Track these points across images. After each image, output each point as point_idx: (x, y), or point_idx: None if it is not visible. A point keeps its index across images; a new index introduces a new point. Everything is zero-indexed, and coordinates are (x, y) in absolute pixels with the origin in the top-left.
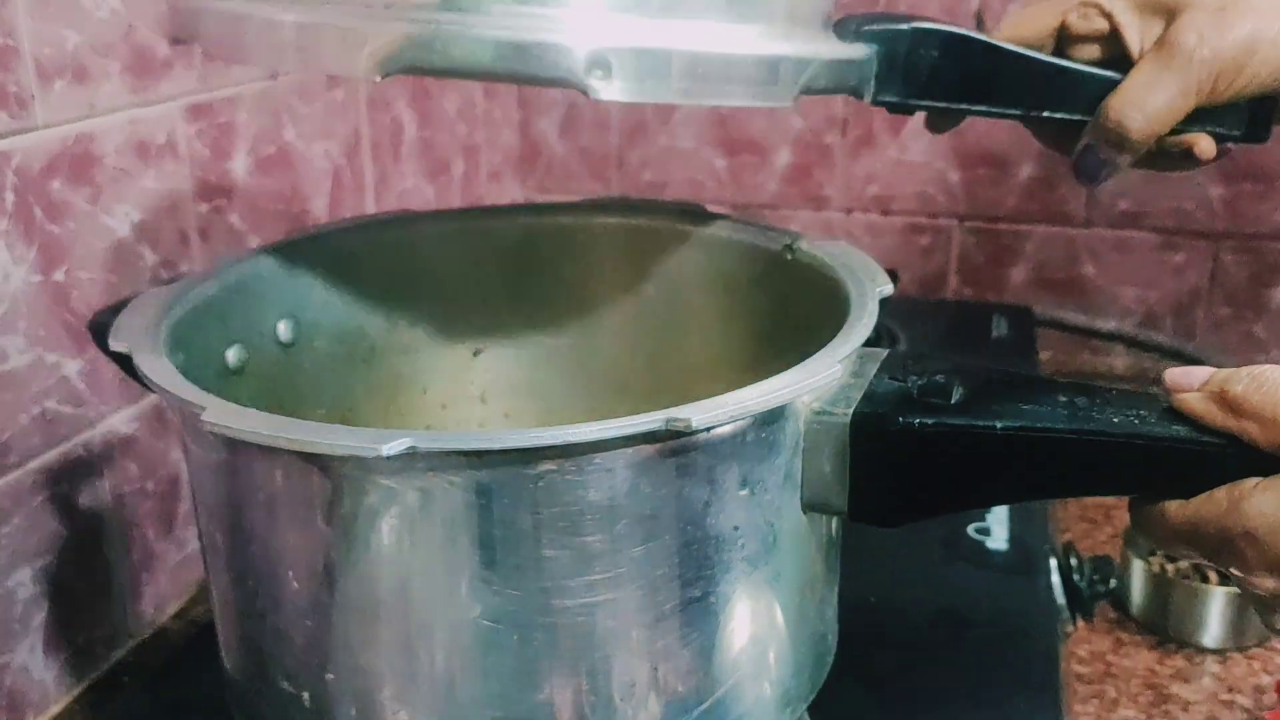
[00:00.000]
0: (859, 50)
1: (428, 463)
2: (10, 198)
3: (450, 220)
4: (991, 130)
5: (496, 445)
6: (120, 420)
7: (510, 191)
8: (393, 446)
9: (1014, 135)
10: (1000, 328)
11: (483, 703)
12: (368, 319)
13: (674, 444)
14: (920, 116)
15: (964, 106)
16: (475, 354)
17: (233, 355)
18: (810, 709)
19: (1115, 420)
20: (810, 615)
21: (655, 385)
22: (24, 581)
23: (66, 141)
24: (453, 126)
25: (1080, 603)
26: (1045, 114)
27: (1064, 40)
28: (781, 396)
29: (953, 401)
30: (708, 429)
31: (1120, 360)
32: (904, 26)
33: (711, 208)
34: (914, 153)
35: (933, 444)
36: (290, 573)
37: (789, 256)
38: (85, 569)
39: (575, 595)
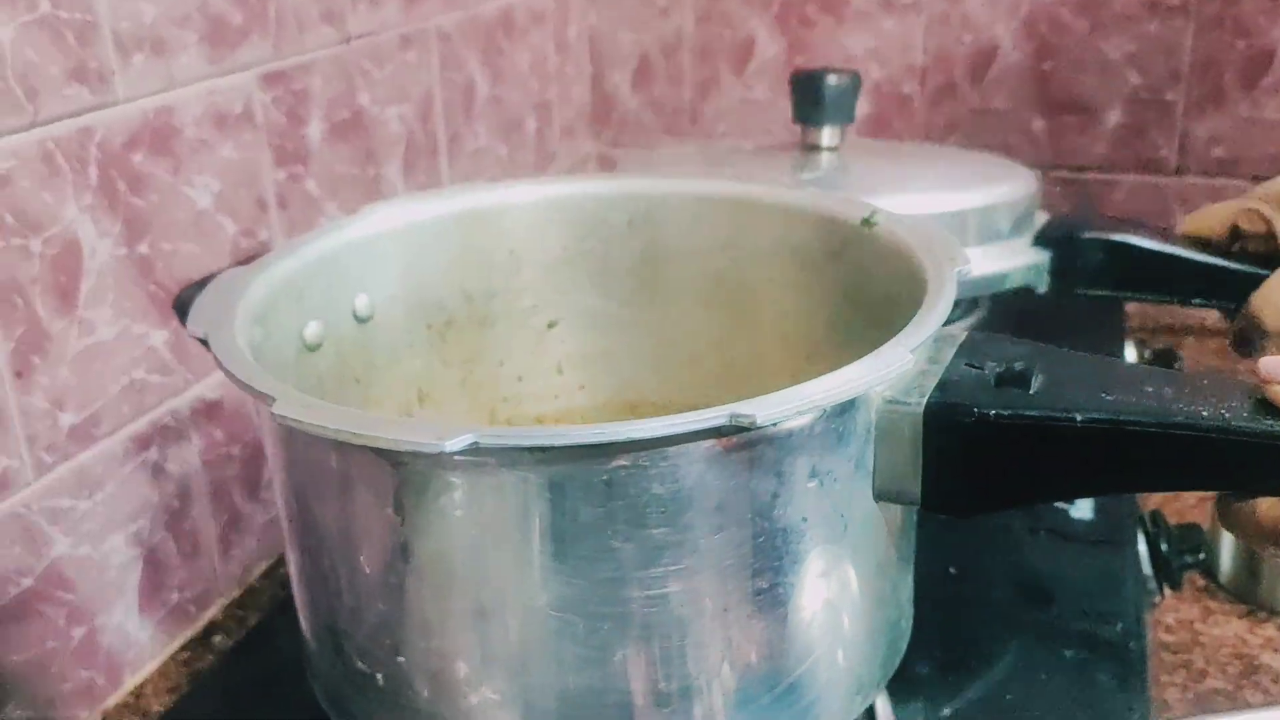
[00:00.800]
0: (1036, 256)
1: (492, 456)
2: (94, 173)
3: (523, 190)
4: (1078, 75)
5: (558, 442)
6: (206, 387)
7: (583, 147)
8: (456, 442)
9: (1102, 80)
10: None
11: (555, 686)
12: (444, 292)
13: (740, 438)
14: (1009, 62)
15: (1129, 295)
16: (550, 326)
17: (311, 332)
18: (890, 682)
19: (1204, 413)
20: (884, 600)
21: (728, 359)
22: (118, 546)
23: (147, 114)
24: (525, 83)
25: (1168, 572)
26: (1201, 303)
27: (1237, 235)
28: (849, 390)
29: (1032, 390)
30: (773, 424)
31: (1212, 313)
32: (1079, 235)
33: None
34: (997, 100)
35: (1009, 435)
36: (361, 557)
37: (866, 230)
38: (176, 532)
39: (644, 586)
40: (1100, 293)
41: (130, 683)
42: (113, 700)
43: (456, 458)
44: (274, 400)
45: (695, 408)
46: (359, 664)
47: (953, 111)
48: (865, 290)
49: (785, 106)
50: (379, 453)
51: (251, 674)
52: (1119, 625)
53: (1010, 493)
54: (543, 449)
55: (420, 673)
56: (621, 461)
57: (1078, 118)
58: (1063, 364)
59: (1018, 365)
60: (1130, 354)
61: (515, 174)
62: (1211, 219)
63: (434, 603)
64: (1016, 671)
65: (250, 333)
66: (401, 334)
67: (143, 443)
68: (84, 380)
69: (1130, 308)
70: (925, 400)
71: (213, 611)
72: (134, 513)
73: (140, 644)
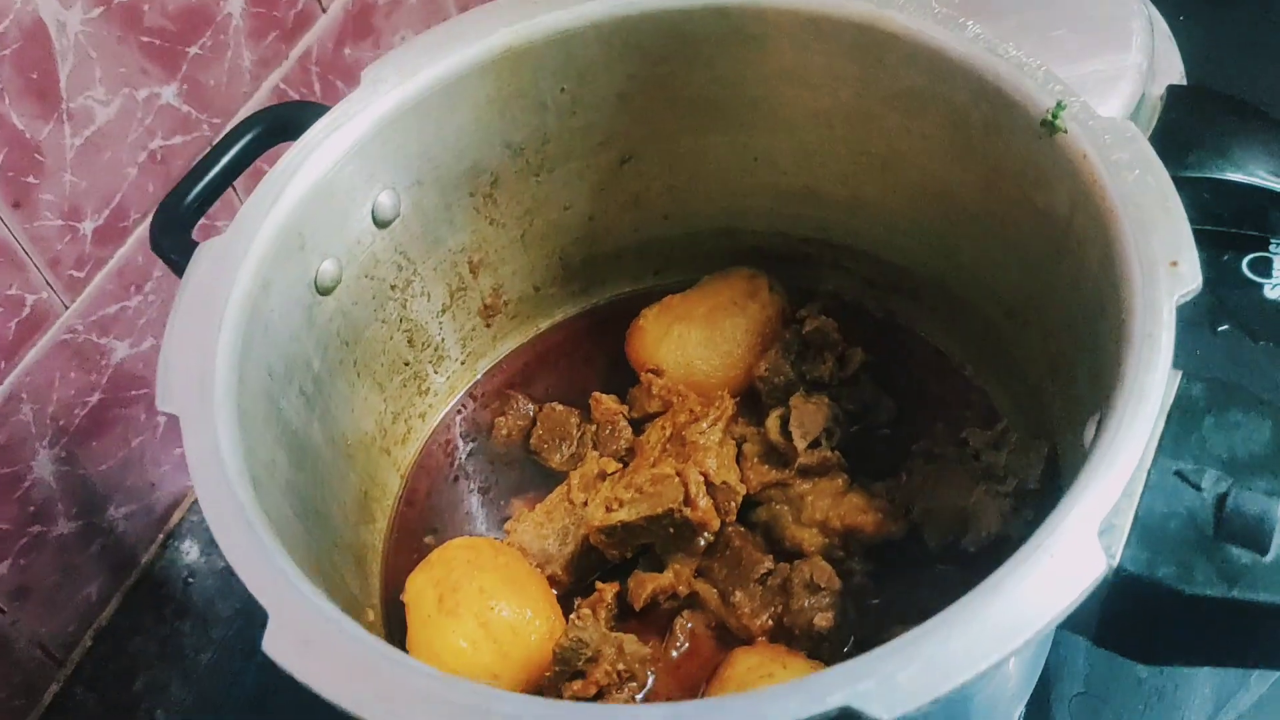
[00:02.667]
0: None
1: None
2: None
3: (569, 13)
4: None
5: None
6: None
7: None
8: None
9: None
10: None
11: None
12: (482, 153)
13: None
14: None
15: None
16: (624, 161)
17: (325, 272)
18: None
19: None
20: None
21: (856, 196)
22: None
23: None
24: None
25: None
26: None
27: None
28: (1004, 654)
29: (1269, 556)
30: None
31: None
32: None
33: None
34: None
35: (1225, 616)
36: None
37: (1047, 133)
38: None
39: None
40: None
41: None
42: None
43: None
44: (265, 620)
45: (809, 240)
46: None
47: None
48: (1028, 184)
49: None
50: None
51: None
52: None
53: (1208, 657)
54: None
55: None
56: None
57: None
58: None
59: (1253, 505)
60: None
61: None
62: None
63: None
64: None
65: (247, 327)
66: (437, 214)
67: None
68: (95, 176)
69: None
70: (1117, 562)
71: None
72: None
73: None
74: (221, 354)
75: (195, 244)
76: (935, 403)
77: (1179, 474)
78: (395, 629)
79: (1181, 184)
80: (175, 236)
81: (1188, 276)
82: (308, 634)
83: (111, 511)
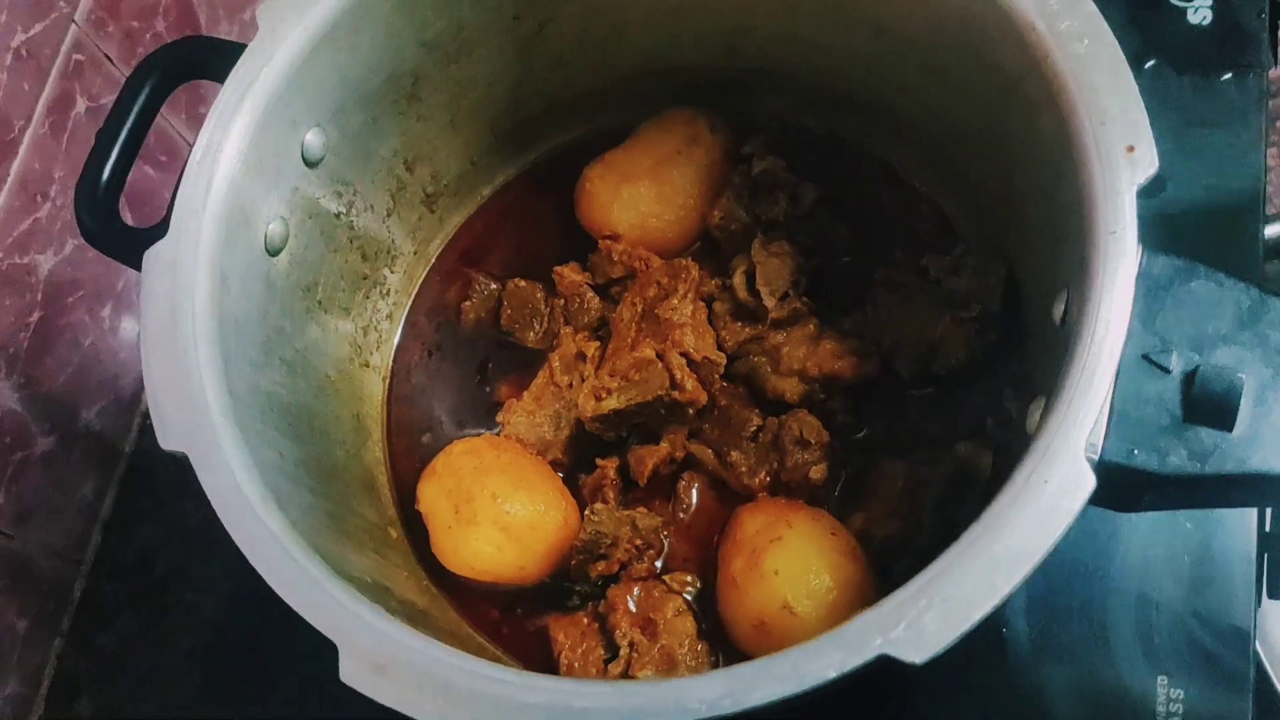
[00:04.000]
0: None
1: None
2: None
3: None
4: None
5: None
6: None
7: None
8: None
9: None
10: None
11: None
12: (399, 59)
13: None
14: None
15: None
16: (541, 27)
17: (273, 234)
18: None
19: None
20: None
21: (788, 33)
22: None
23: None
24: None
25: None
26: None
27: None
28: (1018, 578)
29: (1235, 431)
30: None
31: None
32: None
33: None
34: None
35: (1198, 487)
36: None
37: None
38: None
39: None
40: None
41: None
42: None
43: None
44: (339, 647)
45: (744, 69)
46: None
47: None
48: (974, 37)
49: None
50: None
51: None
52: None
53: (1182, 504)
54: None
55: None
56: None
57: None
58: None
59: (1219, 377)
60: None
61: None
62: None
63: None
64: None
65: (220, 333)
66: (365, 131)
67: (65, 101)
68: None
69: None
70: (1098, 456)
71: None
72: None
73: None
74: (206, 375)
75: (128, 228)
76: (890, 222)
77: (1146, 358)
78: (417, 535)
79: None
80: (104, 222)
81: (1145, 161)
82: (379, 659)
83: (84, 414)
